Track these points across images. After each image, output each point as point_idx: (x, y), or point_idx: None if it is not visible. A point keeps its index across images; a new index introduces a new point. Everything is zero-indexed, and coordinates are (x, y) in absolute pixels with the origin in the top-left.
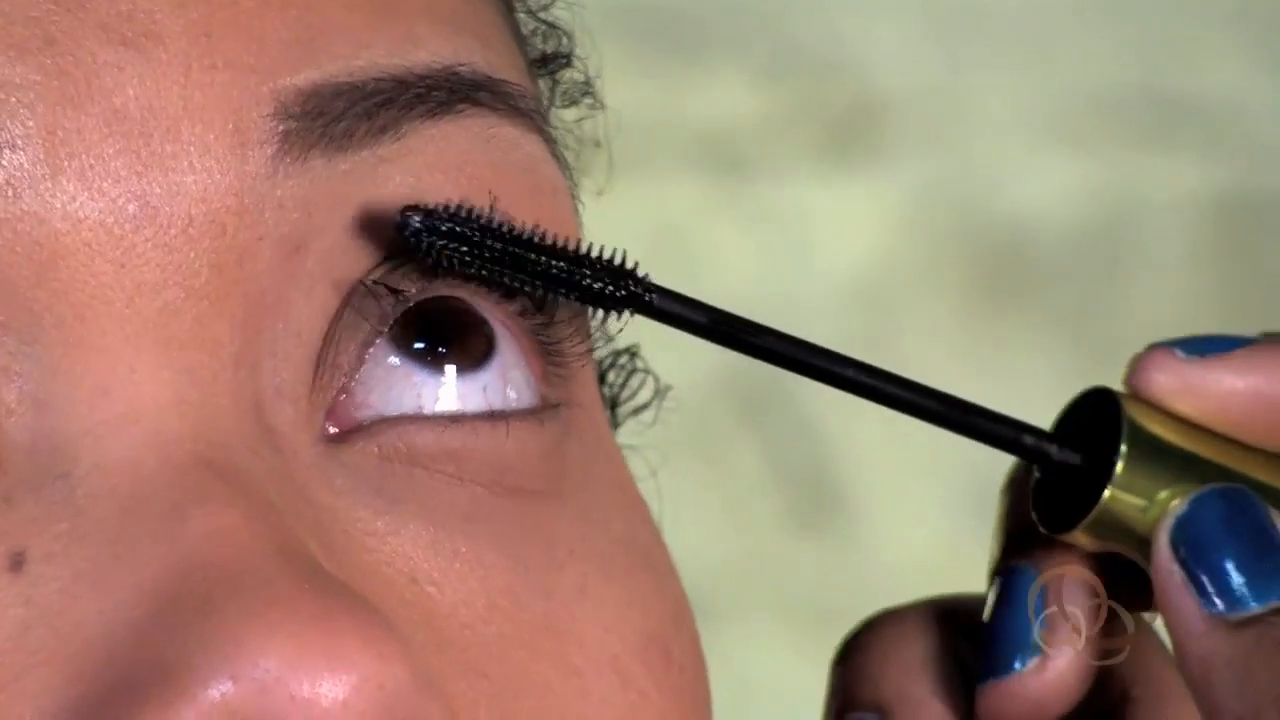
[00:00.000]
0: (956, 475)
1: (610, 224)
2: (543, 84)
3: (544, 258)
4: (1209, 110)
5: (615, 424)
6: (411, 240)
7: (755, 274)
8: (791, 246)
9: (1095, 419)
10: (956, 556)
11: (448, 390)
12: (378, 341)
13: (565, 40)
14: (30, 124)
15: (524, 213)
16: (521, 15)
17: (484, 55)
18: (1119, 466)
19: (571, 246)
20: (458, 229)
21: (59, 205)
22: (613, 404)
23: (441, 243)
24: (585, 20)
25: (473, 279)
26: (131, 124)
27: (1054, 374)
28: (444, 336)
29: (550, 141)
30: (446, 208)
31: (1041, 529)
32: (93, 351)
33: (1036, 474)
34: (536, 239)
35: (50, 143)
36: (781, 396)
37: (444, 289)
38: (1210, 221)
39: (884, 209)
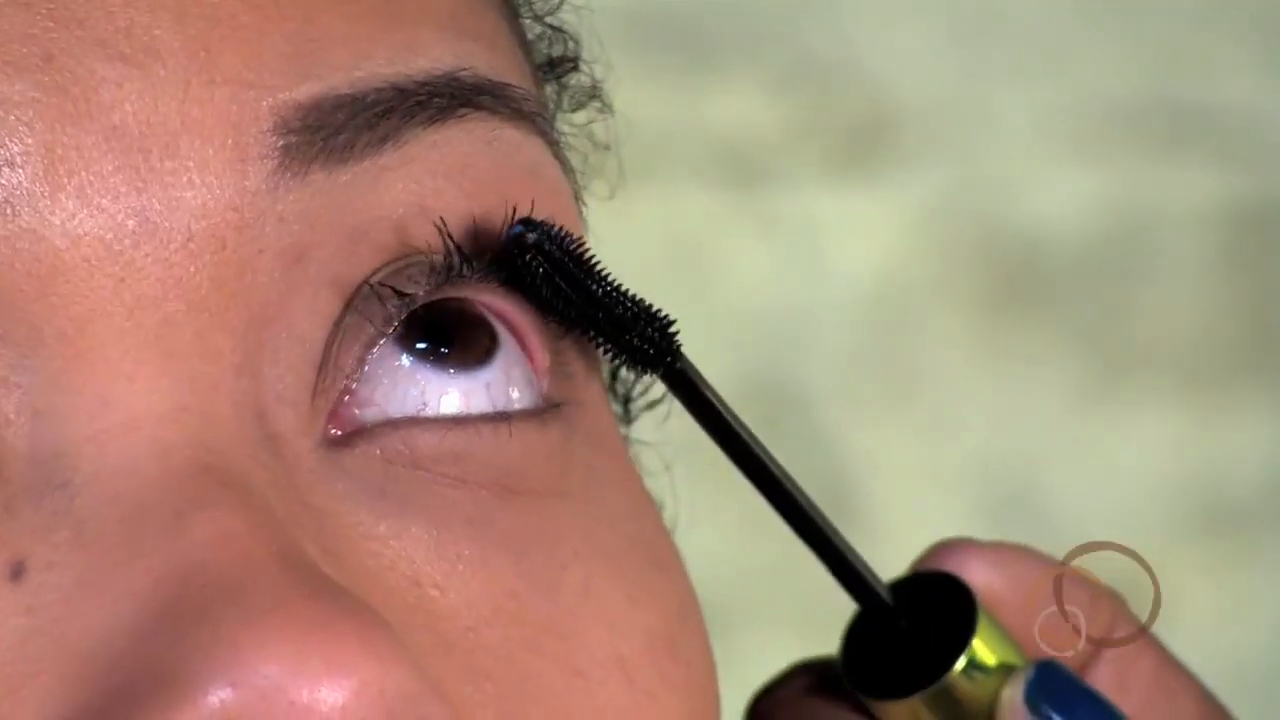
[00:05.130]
0: (970, 487)
1: (625, 234)
2: (550, 89)
3: (605, 302)
4: (1225, 120)
5: (629, 419)
6: (522, 261)
7: (769, 284)
8: (805, 256)
9: (921, 598)
10: None
11: (451, 388)
12: (381, 343)
13: (571, 44)
14: (29, 141)
15: (527, 214)
16: (527, 20)
17: (486, 59)
18: (976, 636)
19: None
20: (562, 259)
21: (58, 222)
22: (626, 400)
23: (545, 267)
24: (595, 25)
25: (544, 307)
26: (130, 140)
27: (1069, 384)
28: (446, 336)
29: (553, 144)
30: (558, 234)
31: (860, 694)
32: (93, 363)
33: (841, 650)
34: (609, 280)
35: (49, 160)
36: (797, 405)
37: (450, 291)
38: (1226, 232)
39: (898, 219)
